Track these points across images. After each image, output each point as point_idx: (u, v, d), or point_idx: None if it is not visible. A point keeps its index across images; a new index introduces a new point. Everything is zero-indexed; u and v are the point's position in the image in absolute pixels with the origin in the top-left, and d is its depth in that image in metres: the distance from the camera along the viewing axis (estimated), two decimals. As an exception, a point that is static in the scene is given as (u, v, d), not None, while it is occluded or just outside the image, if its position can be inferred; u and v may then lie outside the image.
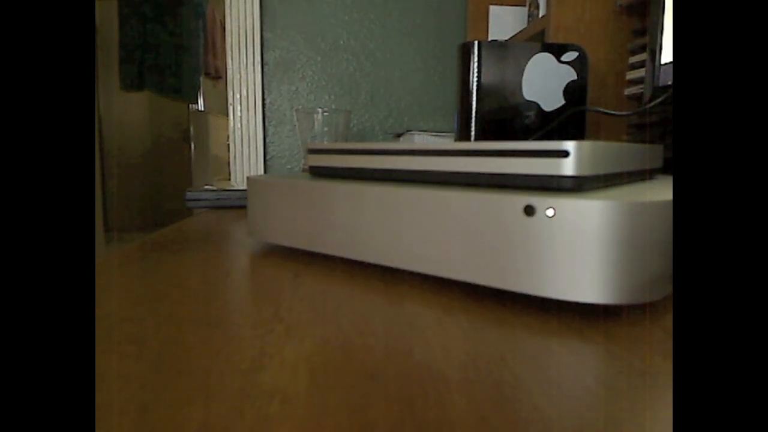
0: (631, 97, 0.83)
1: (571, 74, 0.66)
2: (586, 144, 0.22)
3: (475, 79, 0.65)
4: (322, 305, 0.22)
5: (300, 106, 1.28)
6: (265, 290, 0.24)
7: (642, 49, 0.80)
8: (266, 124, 1.27)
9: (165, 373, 0.16)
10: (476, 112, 0.65)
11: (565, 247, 0.19)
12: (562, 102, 0.67)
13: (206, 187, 0.61)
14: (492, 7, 1.18)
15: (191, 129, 2.62)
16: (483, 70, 0.65)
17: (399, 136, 1.14)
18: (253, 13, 1.21)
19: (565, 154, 0.21)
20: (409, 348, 0.18)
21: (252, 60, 1.22)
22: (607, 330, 0.20)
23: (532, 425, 0.13)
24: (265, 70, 1.25)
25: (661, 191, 0.23)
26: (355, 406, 0.14)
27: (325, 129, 0.88)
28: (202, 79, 2.70)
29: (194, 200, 0.58)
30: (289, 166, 1.29)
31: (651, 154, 0.30)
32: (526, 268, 0.20)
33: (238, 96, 1.23)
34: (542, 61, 0.65)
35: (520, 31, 1.03)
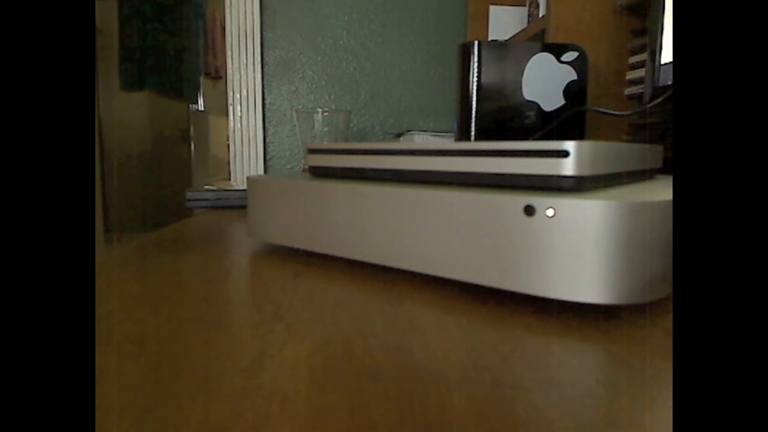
0: (631, 97, 0.83)
1: (571, 74, 0.66)
2: (586, 144, 0.22)
3: (475, 79, 0.65)
4: (322, 305, 0.22)
5: (300, 106, 1.28)
6: (265, 290, 0.24)
7: (642, 49, 0.80)
8: (266, 124, 1.27)
9: (165, 373, 0.16)
10: (476, 112, 0.65)
11: (565, 247, 0.19)
12: (562, 102, 0.67)
13: (206, 187, 0.61)
14: (492, 7, 1.18)
15: (191, 129, 2.62)
16: (483, 70, 0.65)
17: (399, 136, 1.14)
18: (253, 13, 1.21)
19: (565, 154, 0.21)
20: (410, 348, 0.18)
21: (252, 60, 1.22)
22: (606, 330, 0.20)
23: (533, 425, 0.13)
24: (265, 70, 1.25)
25: (661, 191, 0.23)
26: (355, 406, 0.14)
27: (325, 129, 0.88)
28: (202, 79, 2.70)
29: (194, 200, 0.58)
30: (289, 166, 1.29)
31: (651, 154, 0.30)
32: (526, 268, 0.20)
33: (238, 96, 1.23)
34: (542, 61, 0.65)
35: (520, 31, 1.03)
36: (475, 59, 0.65)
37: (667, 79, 0.53)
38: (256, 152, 1.25)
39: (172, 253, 0.33)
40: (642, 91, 0.78)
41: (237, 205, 0.59)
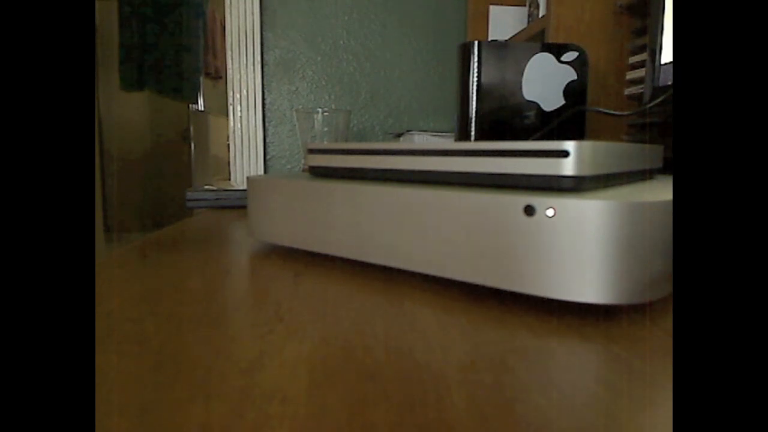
0: (631, 97, 0.83)
1: (571, 74, 0.66)
2: (586, 144, 0.22)
3: (475, 79, 0.65)
4: (322, 305, 0.22)
5: (300, 106, 1.28)
6: (265, 290, 0.24)
7: (642, 49, 0.80)
8: (266, 124, 1.27)
9: (165, 373, 0.16)
10: (476, 112, 0.65)
11: (565, 247, 0.19)
12: (562, 102, 0.67)
13: (206, 187, 0.61)
14: (492, 7, 1.18)
15: (191, 129, 2.62)
16: (483, 70, 0.65)
17: (399, 136, 1.14)
18: (253, 13, 1.21)
19: (565, 154, 0.21)
20: (409, 348, 0.18)
21: (252, 60, 1.22)
22: (607, 330, 0.20)
23: (533, 425, 0.13)
24: (265, 70, 1.25)
25: (661, 191, 0.23)
26: (355, 407, 0.14)
27: (325, 129, 0.88)
28: (202, 79, 2.70)
29: (194, 200, 0.58)
30: (289, 166, 1.29)
31: (651, 154, 0.30)
32: (526, 268, 0.20)
33: (238, 96, 1.23)
34: (542, 61, 0.65)
35: (520, 31, 1.03)
36: (475, 59, 0.65)
37: (667, 79, 0.53)
38: (256, 152, 1.25)
39: (173, 253, 0.33)
40: (642, 91, 0.78)
41: (237, 205, 0.59)
